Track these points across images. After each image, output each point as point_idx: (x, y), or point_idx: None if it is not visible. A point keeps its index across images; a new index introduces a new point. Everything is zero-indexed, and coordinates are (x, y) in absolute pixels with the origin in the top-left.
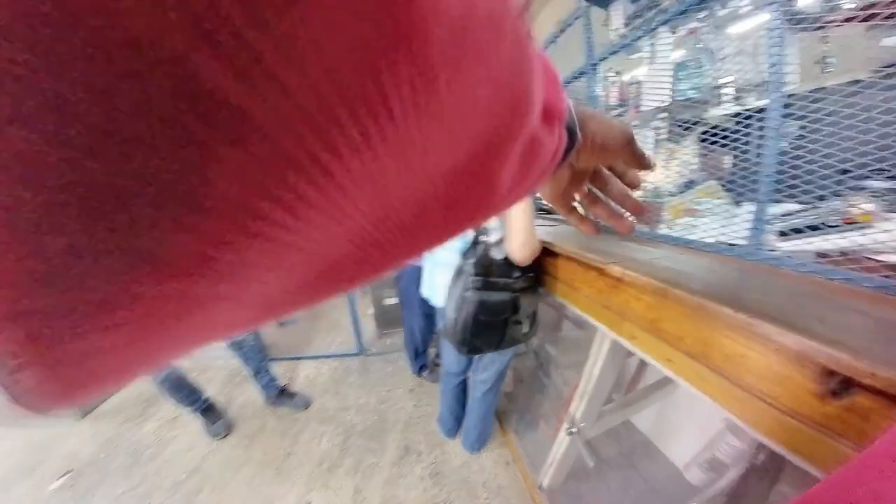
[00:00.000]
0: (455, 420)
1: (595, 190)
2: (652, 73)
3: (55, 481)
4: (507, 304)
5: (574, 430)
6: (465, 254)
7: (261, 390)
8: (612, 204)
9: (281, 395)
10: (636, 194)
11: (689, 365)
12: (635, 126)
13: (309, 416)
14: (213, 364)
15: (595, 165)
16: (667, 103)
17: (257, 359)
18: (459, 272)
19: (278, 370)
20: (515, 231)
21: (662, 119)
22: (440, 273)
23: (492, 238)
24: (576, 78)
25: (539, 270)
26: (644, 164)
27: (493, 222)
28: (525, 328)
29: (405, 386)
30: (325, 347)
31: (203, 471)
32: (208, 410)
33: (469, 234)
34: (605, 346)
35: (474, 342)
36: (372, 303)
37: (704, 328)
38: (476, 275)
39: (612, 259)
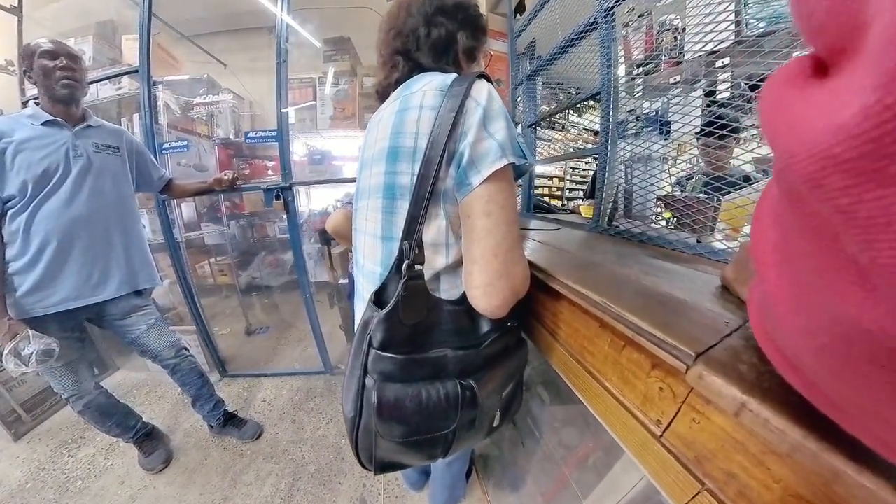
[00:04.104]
0: (420, 473)
1: None
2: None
3: None
4: (448, 405)
5: None
6: (379, 291)
7: (202, 419)
8: None
9: (228, 423)
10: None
11: None
12: (676, 87)
13: (258, 448)
14: (165, 379)
15: None
16: (729, 44)
17: (195, 385)
18: (364, 329)
19: (235, 389)
20: (482, 258)
21: (722, 69)
22: (358, 306)
23: (436, 262)
24: (585, 32)
25: (523, 315)
26: None
27: (434, 230)
28: (496, 420)
29: None
30: (290, 363)
31: None
32: (145, 439)
33: (389, 247)
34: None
35: (389, 460)
36: (341, 314)
37: None
38: (383, 345)
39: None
